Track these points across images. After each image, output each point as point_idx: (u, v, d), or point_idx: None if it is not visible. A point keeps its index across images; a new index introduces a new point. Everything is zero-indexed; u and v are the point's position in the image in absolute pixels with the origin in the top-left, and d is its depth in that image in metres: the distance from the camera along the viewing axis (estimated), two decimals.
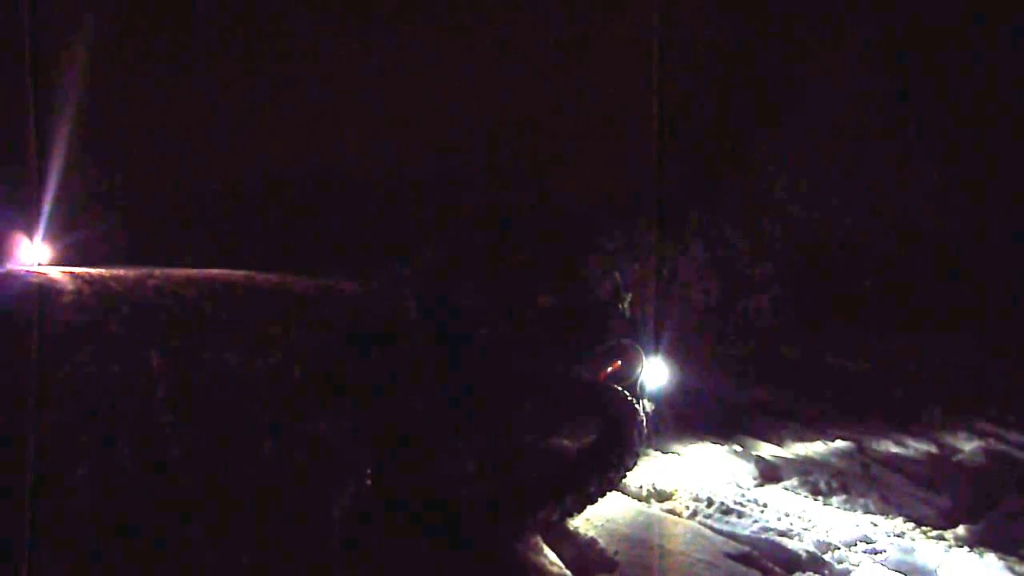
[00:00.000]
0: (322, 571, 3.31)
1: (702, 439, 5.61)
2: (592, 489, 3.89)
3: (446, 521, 3.64)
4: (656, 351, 5.11)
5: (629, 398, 4.34)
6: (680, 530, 3.91)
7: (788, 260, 13.85)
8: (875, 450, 5.58)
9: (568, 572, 3.43)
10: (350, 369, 6.19)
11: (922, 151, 13.23)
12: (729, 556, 3.60)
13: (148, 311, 9.97)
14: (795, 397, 7.24)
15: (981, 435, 6.01)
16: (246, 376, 6.76)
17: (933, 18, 13.25)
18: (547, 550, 3.60)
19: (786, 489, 4.67)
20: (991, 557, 3.59)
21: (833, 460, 5.29)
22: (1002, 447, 5.71)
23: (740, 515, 4.15)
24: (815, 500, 4.50)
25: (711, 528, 3.97)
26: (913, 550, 3.75)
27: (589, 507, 3.93)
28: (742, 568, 3.50)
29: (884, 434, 5.93)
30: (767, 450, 5.51)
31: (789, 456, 5.39)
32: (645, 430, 4.38)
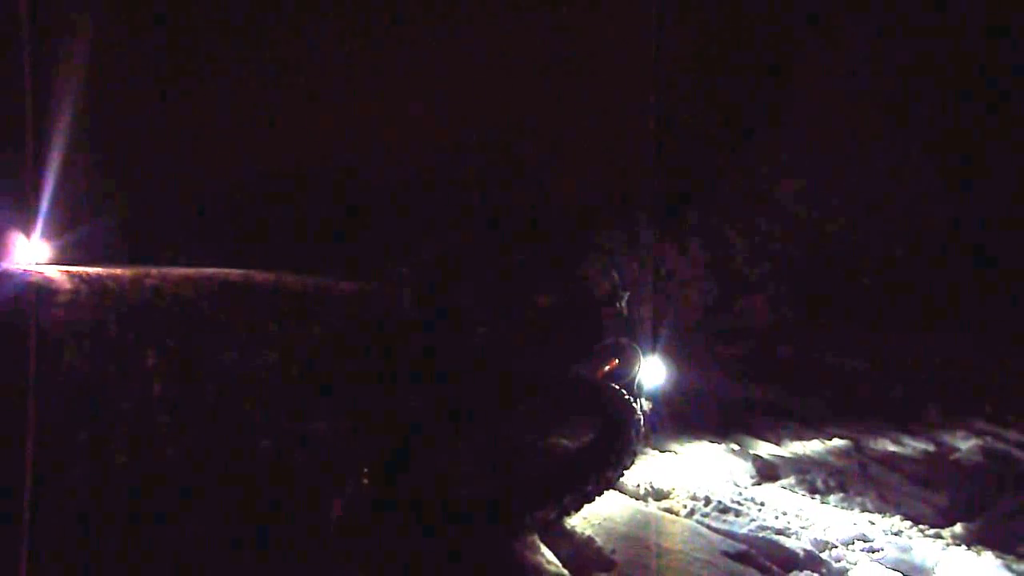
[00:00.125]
0: (319, 571, 3.30)
1: (700, 438, 5.61)
2: (589, 488, 3.89)
3: (443, 520, 3.63)
4: (654, 350, 5.11)
5: (627, 397, 4.34)
6: (678, 529, 3.90)
7: (786, 259, 13.85)
8: (873, 449, 5.58)
9: (565, 571, 3.43)
10: (348, 368, 6.18)
11: (920, 150, 13.24)
12: (726, 554, 3.60)
13: (145, 310, 9.98)
14: (793, 396, 7.25)
15: (979, 434, 6.02)
16: (243, 376, 6.76)
17: (931, 17, 13.25)
18: (544, 549, 3.60)
19: (784, 488, 4.67)
20: (989, 555, 3.59)
21: (831, 459, 5.29)
22: (1000, 446, 5.71)
23: (738, 514, 4.15)
24: (812, 499, 4.50)
25: (709, 527, 3.96)
26: (911, 548, 3.75)
27: (586, 506, 3.93)
28: (739, 566, 3.50)
29: (882, 433, 5.93)
30: (765, 449, 5.51)
31: (787, 455, 5.39)
32: (643, 429, 4.38)
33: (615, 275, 5.27)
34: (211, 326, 8.74)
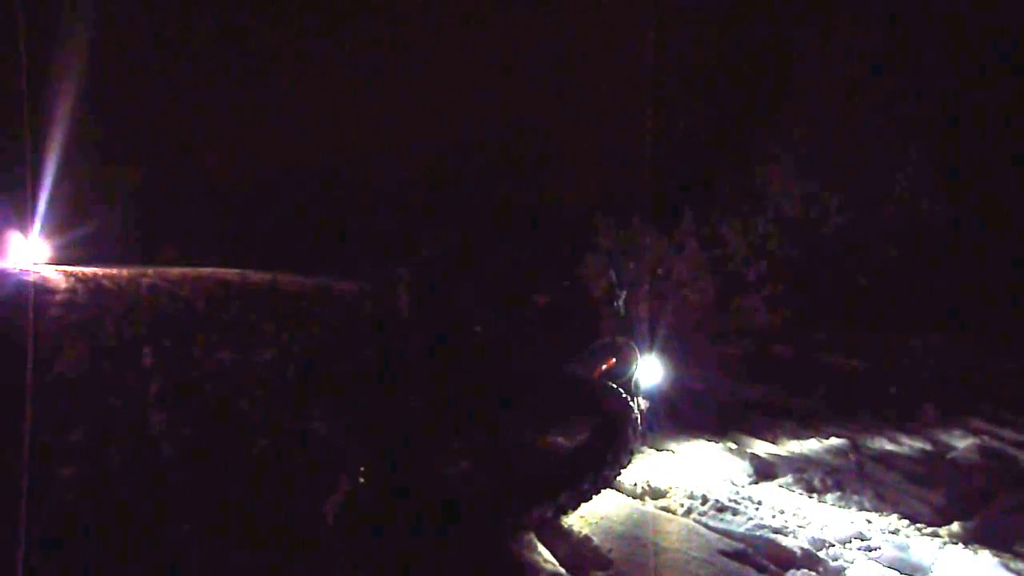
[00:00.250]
0: (315, 570, 3.30)
1: (697, 437, 5.61)
2: (586, 487, 3.89)
3: (440, 519, 3.63)
4: (651, 349, 5.11)
5: (624, 396, 4.34)
6: (675, 527, 3.90)
7: (783, 259, 13.88)
8: (870, 447, 5.58)
9: (562, 570, 3.43)
10: (345, 368, 6.18)
11: (917, 150, 13.27)
12: (723, 553, 3.60)
13: (141, 310, 10.02)
14: (790, 395, 7.26)
15: (975, 432, 6.03)
16: (240, 375, 6.77)
17: (926, 17, 13.28)
18: (541, 547, 3.60)
19: (781, 486, 4.67)
20: (986, 554, 3.59)
21: (828, 457, 5.29)
22: (996, 444, 5.72)
23: (735, 512, 4.15)
24: (810, 497, 4.50)
25: (706, 525, 3.96)
26: (908, 547, 3.75)
27: (584, 505, 3.93)
28: (736, 565, 3.50)
29: (879, 431, 5.94)
30: (762, 448, 5.51)
31: (784, 454, 5.39)
32: (640, 428, 4.39)
33: (612, 275, 5.29)
34: (207, 325, 8.78)
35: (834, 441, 5.62)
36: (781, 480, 4.77)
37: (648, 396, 5.03)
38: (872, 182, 13.74)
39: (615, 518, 3.99)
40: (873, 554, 3.68)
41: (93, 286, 12.62)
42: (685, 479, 4.66)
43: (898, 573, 3.46)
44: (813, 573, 3.44)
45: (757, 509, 4.23)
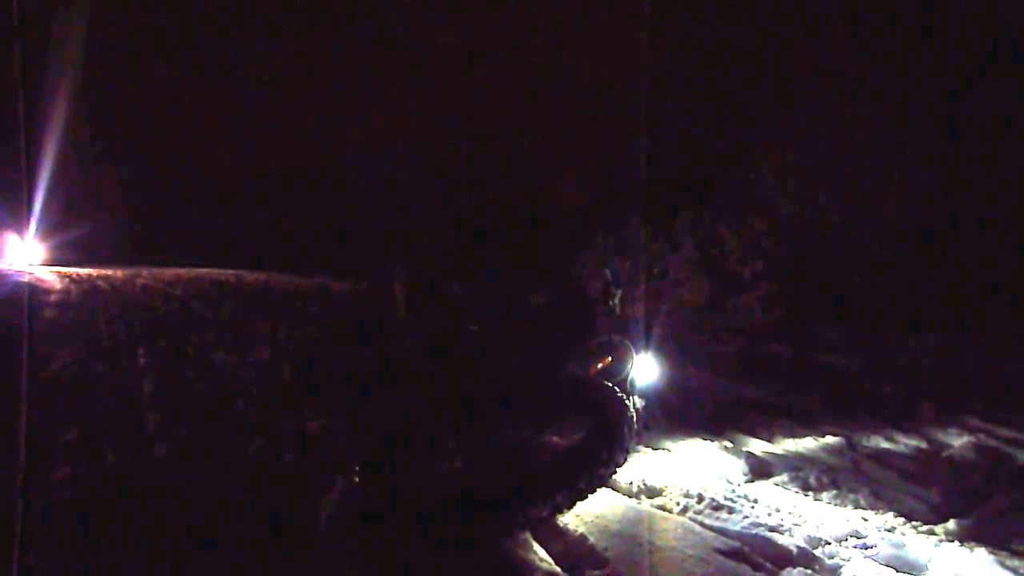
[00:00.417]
0: (311, 569, 3.29)
1: (692, 435, 5.61)
2: (582, 485, 3.88)
3: (435, 518, 3.62)
4: (647, 348, 5.10)
5: (619, 394, 4.34)
6: (670, 526, 3.90)
7: (778, 258, 13.90)
8: (866, 446, 5.58)
9: (558, 568, 3.42)
10: (339, 367, 6.16)
11: (911, 151, 13.29)
12: (720, 552, 3.59)
13: (136, 310, 10.00)
14: (786, 393, 7.27)
15: (971, 431, 6.03)
16: (234, 375, 6.77)
17: (921, 18, 13.31)
18: (536, 546, 3.59)
19: (777, 485, 4.67)
20: (982, 551, 3.58)
21: (823, 456, 5.29)
22: (992, 443, 5.72)
23: (731, 511, 4.14)
24: (806, 496, 4.50)
25: (701, 524, 3.96)
26: (904, 545, 3.74)
27: (579, 503, 3.92)
28: (732, 563, 3.50)
29: (875, 430, 5.94)
30: (758, 446, 5.51)
31: (780, 452, 5.39)
32: (635, 426, 4.38)
33: (608, 274, 5.28)
34: (202, 325, 8.77)
35: (830, 439, 5.62)
36: (777, 478, 4.77)
37: (644, 395, 5.02)
38: (868, 182, 13.77)
39: (611, 517, 3.99)
40: (869, 552, 3.68)
41: (87, 287, 12.67)
42: (681, 478, 4.66)
43: (894, 571, 3.46)
44: (809, 571, 3.43)
45: (753, 507, 4.22)
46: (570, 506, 3.90)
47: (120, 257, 23.93)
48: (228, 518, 3.76)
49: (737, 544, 3.70)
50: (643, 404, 5.01)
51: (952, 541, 3.78)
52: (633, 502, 4.30)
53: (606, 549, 3.62)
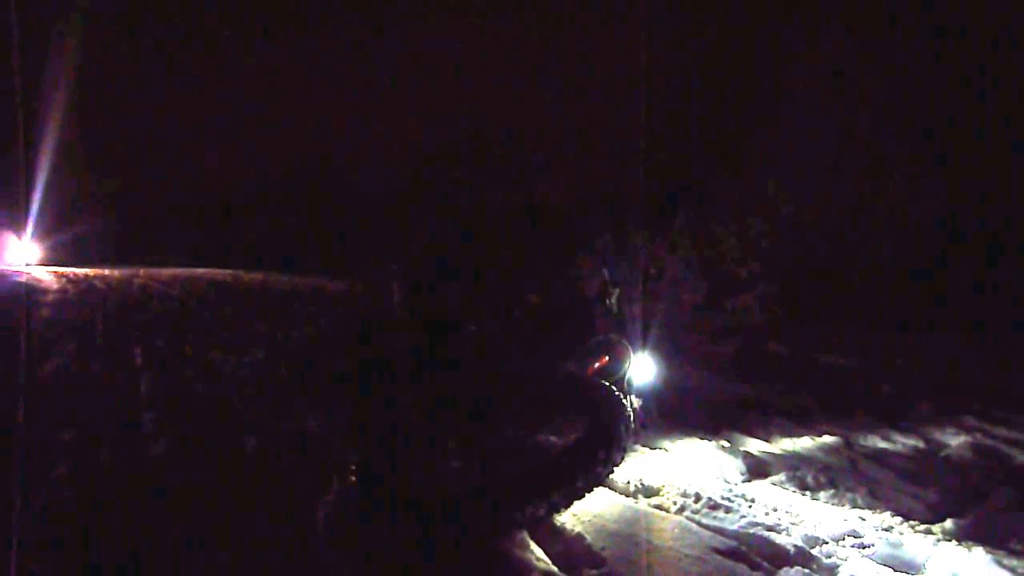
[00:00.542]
0: (307, 570, 3.28)
1: (690, 435, 5.61)
2: (579, 485, 3.88)
3: (431, 518, 3.62)
4: (644, 347, 5.10)
5: (616, 394, 4.33)
6: (668, 525, 3.89)
7: (776, 258, 13.89)
8: (863, 445, 5.58)
9: (555, 568, 3.42)
10: (336, 367, 6.15)
11: (909, 151, 13.30)
12: (717, 551, 3.59)
13: (133, 310, 10.00)
14: (783, 393, 7.27)
15: (968, 430, 6.03)
16: (231, 375, 6.76)
17: (916, 19, 13.31)
18: (533, 546, 3.59)
19: (774, 484, 4.66)
20: (979, 551, 3.58)
21: (821, 455, 5.29)
22: (989, 442, 5.72)
23: (728, 510, 4.14)
24: (803, 495, 4.49)
25: (699, 523, 3.95)
26: (901, 544, 3.74)
27: (576, 503, 3.92)
28: (730, 563, 3.49)
29: (872, 429, 5.94)
30: (755, 446, 5.51)
31: (777, 451, 5.39)
32: (633, 426, 4.37)
33: (605, 273, 5.27)
34: (199, 325, 8.76)
35: (827, 439, 5.62)
36: (774, 478, 4.76)
37: (641, 394, 5.02)
38: (865, 182, 13.77)
39: (608, 516, 3.98)
40: (867, 551, 3.67)
41: (84, 287, 12.67)
42: (678, 477, 4.66)
43: (892, 570, 3.46)
44: (807, 570, 3.43)
45: (750, 507, 4.22)
46: (567, 505, 3.90)
47: (118, 257, 23.93)
48: (225, 518, 3.75)
49: (734, 543, 3.69)
50: (640, 403, 5.01)
51: (950, 540, 3.77)
52: (630, 501, 4.29)
53: (603, 548, 3.62)
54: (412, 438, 4.23)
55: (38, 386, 6.02)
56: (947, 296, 11.66)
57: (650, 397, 5.21)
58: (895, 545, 3.74)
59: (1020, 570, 3.44)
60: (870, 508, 4.28)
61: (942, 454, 5.48)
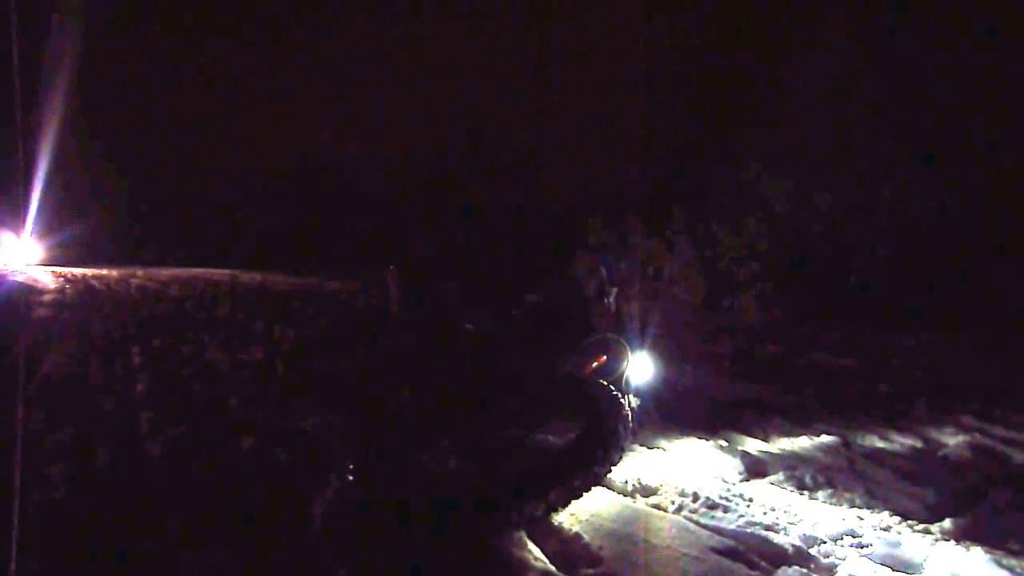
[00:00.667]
0: (304, 568, 3.27)
1: (688, 434, 5.60)
2: (577, 484, 3.88)
3: (429, 517, 3.61)
4: (642, 347, 5.09)
5: (614, 393, 4.33)
6: (665, 525, 3.88)
7: (773, 258, 13.90)
8: (861, 445, 5.57)
9: (552, 567, 3.41)
10: (334, 367, 6.15)
11: (906, 150, 13.30)
12: (715, 550, 3.58)
13: (130, 310, 9.98)
14: (781, 393, 7.26)
15: (966, 429, 6.03)
16: (228, 374, 6.74)
17: (912, 20, 13.32)
18: (531, 545, 3.58)
19: (772, 484, 4.65)
20: (978, 550, 3.57)
21: (819, 455, 5.28)
22: (987, 441, 5.72)
23: (726, 510, 4.13)
24: (801, 495, 4.48)
25: (696, 523, 3.94)
26: (899, 544, 3.73)
27: (574, 502, 3.92)
28: (728, 562, 3.48)
29: (870, 429, 5.93)
30: (753, 445, 5.50)
31: (775, 451, 5.38)
32: (630, 425, 4.37)
33: (603, 272, 5.26)
34: (196, 325, 8.74)
35: (825, 438, 5.61)
36: (772, 477, 4.75)
37: (639, 394, 5.01)
38: (862, 182, 13.78)
39: (606, 515, 3.97)
40: (865, 551, 3.66)
41: (82, 287, 12.66)
42: (676, 476, 4.65)
43: (890, 570, 3.45)
44: (805, 570, 3.42)
45: (748, 506, 4.21)
46: (565, 505, 3.89)
47: (116, 257, 23.94)
48: (222, 517, 3.74)
49: (732, 543, 3.68)
50: (638, 403, 5.00)
51: (948, 540, 3.77)
52: (628, 501, 4.29)
53: (601, 548, 3.61)
54: (410, 437, 4.22)
55: (36, 385, 6.01)
56: (946, 296, 11.66)
57: (648, 396, 5.20)
58: (893, 545, 3.73)
59: (1019, 569, 3.43)
60: (868, 508, 4.27)
61: (940, 454, 5.47)
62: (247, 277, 15.75)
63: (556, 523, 3.86)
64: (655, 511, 4.14)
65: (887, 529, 3.96)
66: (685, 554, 3.53)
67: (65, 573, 3.29)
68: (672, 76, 15.47)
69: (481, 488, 3.87)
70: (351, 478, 3.97)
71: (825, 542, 3.78)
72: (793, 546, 3.69)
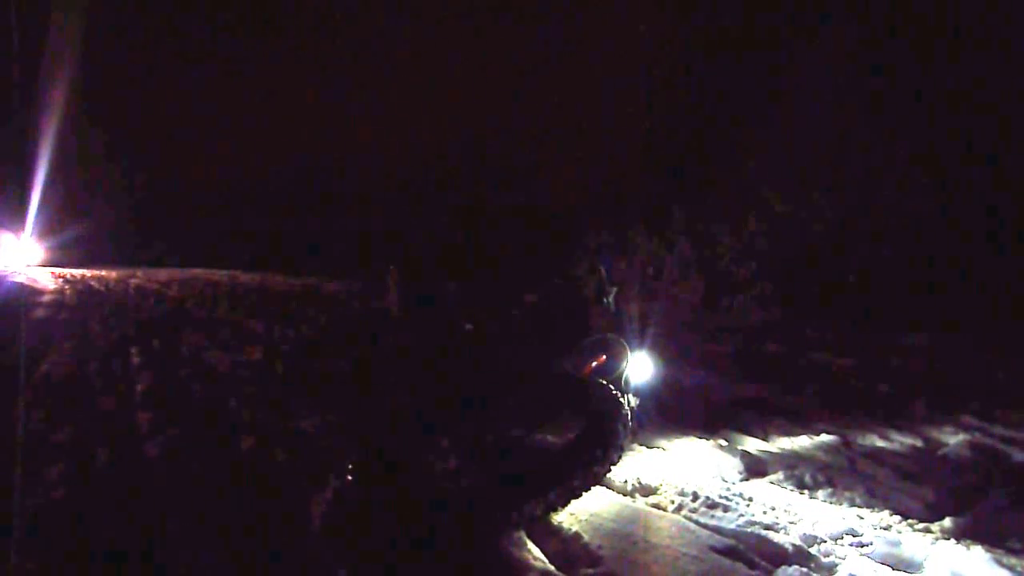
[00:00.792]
0: (302, 569, 3.27)
1: (687, 434, 5.59)
2: (576, 483, 3.88)
3: (428, 517, 3.61)
4: (641, 346, 5.09)
5: (614, 392, 4.33)
6: (665, 524, 3.88)
7: (773, 257, 13.89)
8: (861, 444, 5.57)
9: (552, 567, 3.41)
10: (333, 367, 6.14)
11: (905, 150, 13.30)
12: (714, 550, 3.58)
13: (129, 310, 9.97)
14: (780, 392, 7.25)
15: (966, 429, 6.02)
16: (228, 374, 6.73)
17: (911, 19, 13.32)
18: (530, 545, 3.58)
19: (772, 483, 4.65)
20: (978, 549, 3.57)
21: (819, 454, 5.28)
22: (987, 440, 5.71)
23: (726, 509, 4.13)
24: (801, 494, 4.48)
25: (696, 522, 3.94)
26: (900, 543, 3.73)
27: (573, 502, 3.91)
28: (728, 562, 3.48)
29: (869, 428, 5.93)
30: (752, 445, 5.49)
31: (775, 450, 5.37)
32: (630, 424, 4.37)
33: (603, 272, 5.26)
34: (196, 325, 8.73)
35: (825, 438, 5.60)
36: (772, 477, 4.75)
37: (638, 393, 5.00)
38: (861, 181, 13.78)
39: (605, 515, 3.97)
40: (865, 550, 3.66)
41: (81, 287, 12.66)
42: (675, 476, 4.64)
43: (890, 569, 3.45)
44: (805, 569, 3.42)
45: (748, 506, 4.21)
46: (564, 504, 3.89)
47: (116, 258, 23.96)
48: (220, 517, 3.74)
49: (732, 542, 3.68)
50: (637, 402, 5.00)
51: (948, 539, 3.76)
52: (627, 500, 4.28)
53: (600, 547, 3.60)
54: (408, 437, 4.22)
55: (35, 385, 6.00)
56: (946, 295, 11.65)
57: (647, 396, 5.20)
58: (893, 544, 3.73)
59: (1019, 568, 3.43)
60: (868, 507, 4.27)
61: (940, 453, 5.47)
62: (247, 277, 15.77)
63: (556, 523, 3.85)
64: (655, 511, 4.13)
65: (887, 528, 3.95)
66: (685, 553, 3.52)
67: (65, 573, 3.29)
68: (672, 76, 15.47)
69: (480, 488, 3.87)
70: (350, 478, 3.96)
71: (825, 541, 3.77)
72: (793, 545, 3.68)
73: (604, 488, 4.32)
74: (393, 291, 5.20)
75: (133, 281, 12.77)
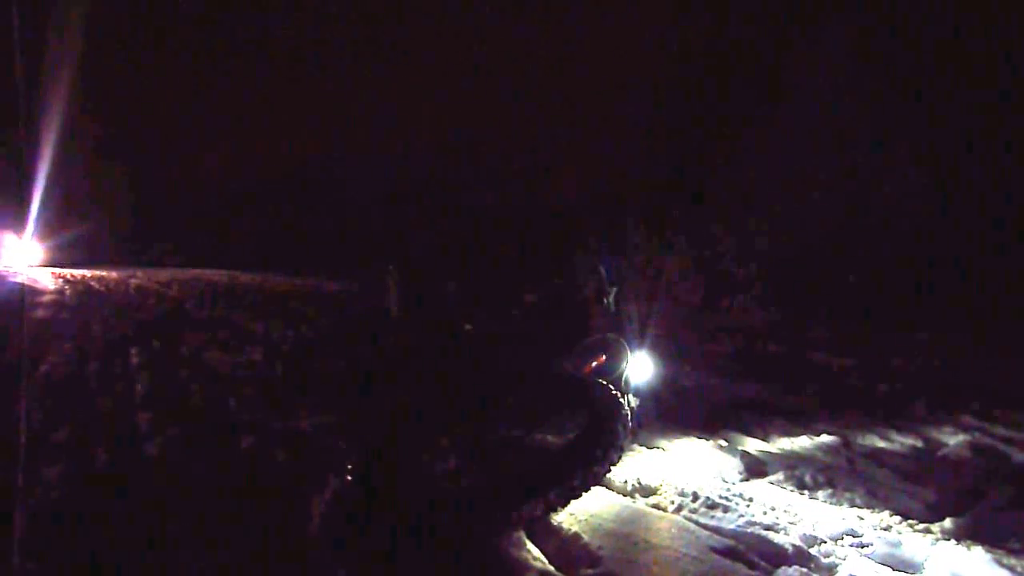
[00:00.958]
0: (302, 569, 3.27)
1: (687, 434, 5.59)
2: (576, 484, 3.87)
3: (428, 517, 3.60)
4: (641, 346, 5.09)
5: (614, 392, 4.32)
6: (665, 525, 3.88)
7: (773, 258, 13.89)
8: (861, 444, 5.57)
9: (551, 567, 3.40)
10: (333, 367, 6.14)
11: (904, 150, 13.30)
12: (714, 550, 3.58)
13: (129, 310, 9.97)
14: (780, 393, 7.25)
15: (966, 429, 6.02)
16: (227, 375, 6.73)
17: (912, 19, 13.32)
18: (530, 545, 3.57)
19: (772, 484, 4.65)
20: (978, 550, 3.57)
21: (819, 455, 5.28)
22: (987, 441, 5.71)
23: (726, 509, 4.12)
24: (801, 494, 4.48)
25: (696, 523, 3.94)
26: (900, 543, 3.73)
27: (573, 502, 3.91)
28: (727, 562, 3.48)
29: (869, 428, 5.93)
30: (753, 445, 5.49)
31: (775, 451, 5.37)
32: (630, 424, 4.37)
33: (602, 272, 5.26)
34: (196, 325, 8.73)
35: (825, 438, 5.60)
36: (772, 477, 4.75)
37: (638, 393, 5.01)
38: (861, 182, 13.78)
39: (605, 515, 3.97)
40: (865, 551, 3.66)
41: (81, 287, 12.66)
42: (675, 476, 4.64)
43: (890, 569, 3.44)
44: (805, 570, 3.42)
45: (748, 506, 4.21)
46: (564, 504, 3.88)
47: (117, 258, 23.95)
48: (220, 517, 3.73)
49: (732, 543, 3.68)
50: (637, 402, 5.00)
51: (948, 539, 3.76)
52: (627, 501, 4.28)
53: (600, 548, 3.60)
54: (408, 437, 4.21)
55: (34, 385, 6.00)
56: (946, 295, 11.65)
57: (647, 396, 5.20)
58: (894, 544, 3.72)
59: (1019, 569, 3.43)
60: (868, 507, 4.27)
61: (940, 453, 5.47)
62: (246, 278, 15.77)
63: (555, 523, 3.85)
64: (655, 511, 4.13)
65: (887, 529, 3.95)
66: (685, 554, 3.52)
67: (65, 573, 3.29)
68: (672, 77, 15.47)
69: (480, 488, 3.86)
70: (350, 478, 3.96)
71: (825, 542, 3.77)
72: (793, 546, 3.68)
73: (604, 488, 4.32)
74: (393, 291, 5.20)
75: (133, 281, 12.74)
